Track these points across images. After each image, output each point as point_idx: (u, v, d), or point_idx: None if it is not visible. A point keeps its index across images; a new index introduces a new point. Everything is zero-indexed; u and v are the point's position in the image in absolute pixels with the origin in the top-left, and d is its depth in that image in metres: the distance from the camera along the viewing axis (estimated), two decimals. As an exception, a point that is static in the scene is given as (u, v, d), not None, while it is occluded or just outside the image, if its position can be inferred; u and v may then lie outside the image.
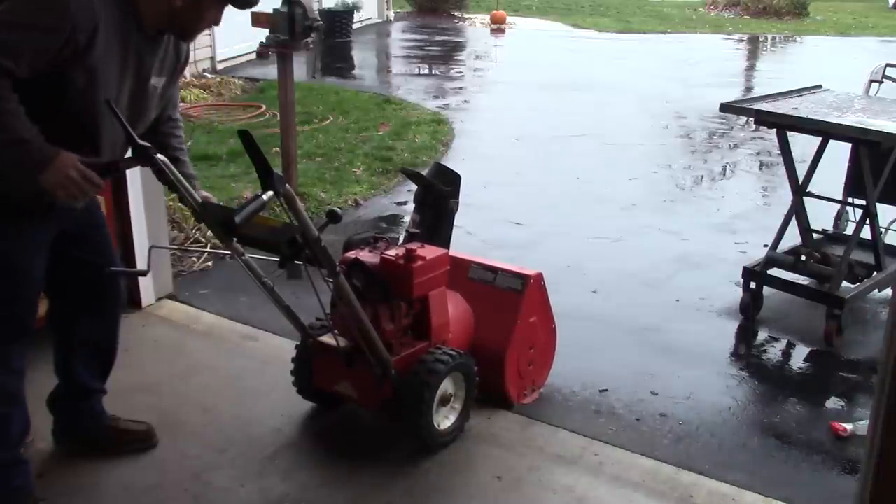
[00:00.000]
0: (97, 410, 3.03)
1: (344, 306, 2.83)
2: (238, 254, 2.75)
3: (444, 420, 3.13)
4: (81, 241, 2.76)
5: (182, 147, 2.84)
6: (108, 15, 2.30)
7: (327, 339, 3.05)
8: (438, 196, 3.41)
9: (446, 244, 3.40)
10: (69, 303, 2.85)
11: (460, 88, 10.80)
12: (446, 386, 3.08)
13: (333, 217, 2.62)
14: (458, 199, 3.47)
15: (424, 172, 3.57)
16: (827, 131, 4.07)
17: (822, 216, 4.91)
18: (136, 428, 3.10)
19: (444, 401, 3.11)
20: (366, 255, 3.06)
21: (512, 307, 3.36)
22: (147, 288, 4.18)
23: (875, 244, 4.39)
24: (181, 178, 2.56)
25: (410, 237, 3.33)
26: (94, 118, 2.38)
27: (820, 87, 4.81)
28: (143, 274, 3.24)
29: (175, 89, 2.79)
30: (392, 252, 3.06)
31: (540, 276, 3.43)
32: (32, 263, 2.52)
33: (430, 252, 3.07)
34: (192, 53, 11.49)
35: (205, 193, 2.70)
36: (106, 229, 2.93)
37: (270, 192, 2.46)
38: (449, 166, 3.60)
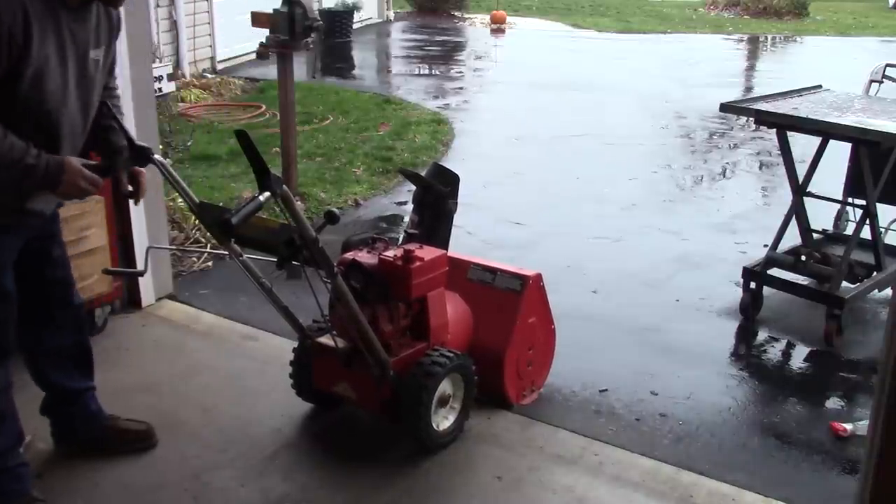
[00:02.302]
0: (92, 410, 3.01)
1: (342, 307, 2.83)
2: (236, 254, 2.75)
3: (444, 420, 3.13)
4: (41, 255, 2.70)
5: (116, 117, 2.70)
6: (31, 2, 2.23)
7: (326, 339, 3.05)
8: (437, 196, 3.40)
9: (445, 245, 3.39)
10: (27, 316, 2.71)
11: (460, 88, 10.80)
12: (445, 387, 3.08)
13: (331, 218, 2.62)
14: (456, 199, 3.47)
15: (423, 173, 3.57)
16: (827, 131, 4.07)
17: (822, 216, 4.91)
18: (135, 427, 3.09)
19: (443, 401, 3.11)
20: (364, 256, 3.05)
21: (511, 308, 3.36)
22: (147, 288, 4.18)
23: (875, 244, 4.39)
24: (179, 179, 2.56)
25: (409, 238, 3.32)
26: (48, 107, 2.33)
27: (820, 87, 4.81)
28: (141, 274, 3.25)
29: (113, 57, 2.67)
30: (390, 253, 3.05)
31: (539, 277, 3.42)
32: (4, 280, 2.48)
33: (428, 253, 3.07)
34: (192, 53, 11.35)
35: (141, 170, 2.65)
36: (62, 240, 2.85)
37: (267, 193, 2.46)
38: (448, 167, 3.60)
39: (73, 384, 2.94)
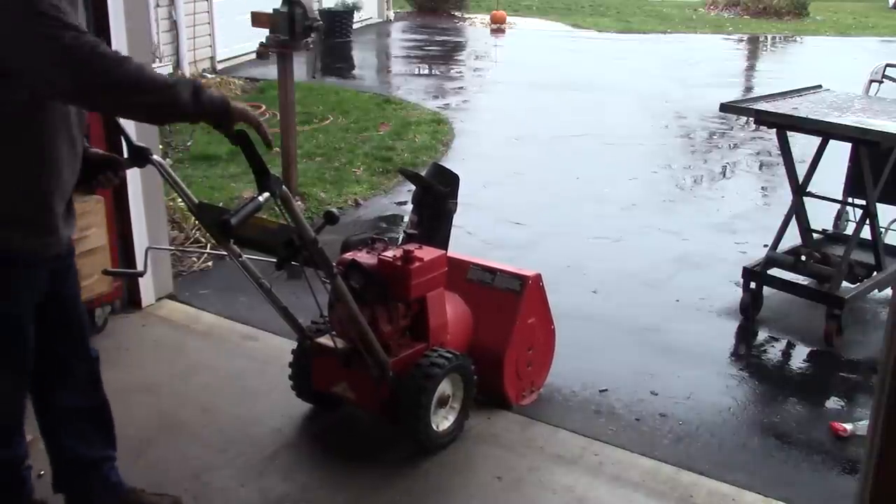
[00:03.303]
0: (111, 482, 2.66)
1: (341, 308, 2.83)
2: (235, 255, 2.74)
3: (443, 421, 3.13)
4: (61, 297, 2.43)
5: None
6: None
7: (325, 340, 3.04)
8: (437, 197, 3.40)
9: (445, 245, 3.39)
10: (41, 369, 2.45)
11: (460, 88, 10.80)
12: (444, 387, 3.08)
13: (330, 219, 2.61)
14: (456, 199, 3.47)
15: (423, 173, 3.57)
16: (827, 131, 4.07)
17: (822, 216, 4.91)
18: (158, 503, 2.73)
19: (443, 402, 3.11)
20: (363, 257, 3.05)
21: (510, 308, 3.35)
22: (147, 288, 4.18)
23: (875, 244, 4.39)
24: (178, 179, 2.56)
25: (408, 238, 3.32)
26: None
27: (820, 87, 4.81)
28: (140, 275, 3.24)
29: None
30: (389, 253, 3.05)
31: (538, 277, 3.42)
32: (29, 325, 2.26)
33: (427, 253, 3.07)
34: (192, 53, 11.32)
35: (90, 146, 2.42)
36: (78, 282, 2.55)
37: (266, 194, 2.45)
38: (448, 167, 3.60)
39: (90, 452, 2.61)
